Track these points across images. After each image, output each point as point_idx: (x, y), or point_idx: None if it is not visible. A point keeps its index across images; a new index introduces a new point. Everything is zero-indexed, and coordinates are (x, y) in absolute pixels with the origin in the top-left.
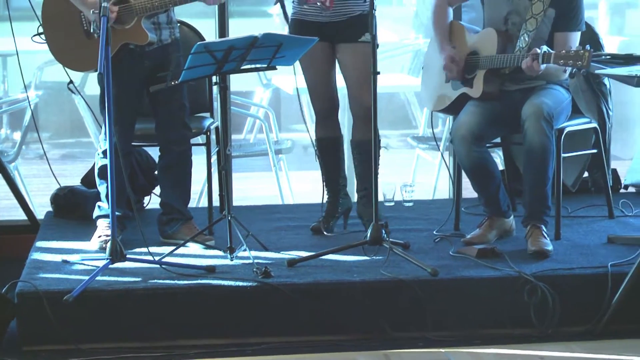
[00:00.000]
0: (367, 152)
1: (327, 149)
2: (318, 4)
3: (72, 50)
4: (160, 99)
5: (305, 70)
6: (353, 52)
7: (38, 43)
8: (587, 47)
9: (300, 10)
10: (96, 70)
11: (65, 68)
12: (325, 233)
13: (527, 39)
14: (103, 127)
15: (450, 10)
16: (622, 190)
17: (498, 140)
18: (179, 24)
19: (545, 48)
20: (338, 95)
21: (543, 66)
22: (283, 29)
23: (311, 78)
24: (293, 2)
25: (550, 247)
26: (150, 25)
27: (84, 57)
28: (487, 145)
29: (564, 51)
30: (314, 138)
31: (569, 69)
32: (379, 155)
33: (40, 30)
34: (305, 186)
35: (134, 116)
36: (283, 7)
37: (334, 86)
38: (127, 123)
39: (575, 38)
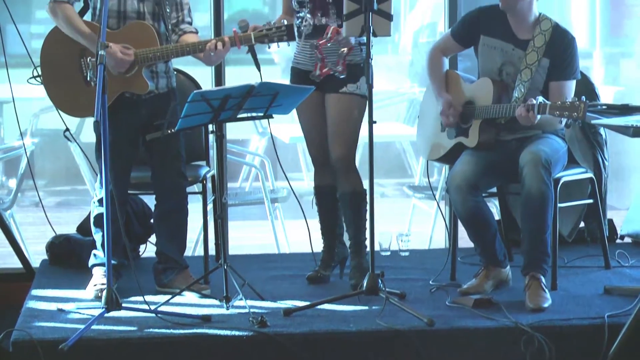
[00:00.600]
0: (349, 204)
1: (324, 197)
2: (332, 72)
3: (71, 96)
4: (156, 147)
5: (300, 119)
6: (334, 102)
7: (33, 85)
8: (583, 98)
9: (300, 60)
10: (91, 116)
11: (62, 115)
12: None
13: (522, 89)
14: (99, 175)
15: (446, 60)
16: (618, 241)
17: (494, 189)
18: (175, 72)
19: (540, 99)
20: None
21: (538, 116)
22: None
23: (306, 126)
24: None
25: (548, 303)
26: (149, 73)
27: (83, 103)
28: (483, 194)
29: (559, 102)
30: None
31: (564, 120)
32: (365, 207)
33: (36, 73)
34: (302, 235)
35: (130, 164)
36: (254, 55)
37: (326, 135)
38: (123, 171)
39: (571, 87)
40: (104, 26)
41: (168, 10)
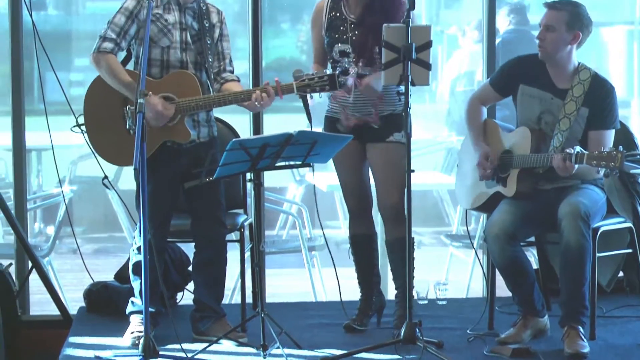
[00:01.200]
0: (398, 251)
1: (360, 246)
2: (347, 96)
3: (114, 145)
4: (196, 195)
5: (337, 168)
6: (381, 152)
7: (76, 133)
8: (620, 148)
9: (333, 108)
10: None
11: (100, 163)
12: (358, 328)
13: (560, 138)
14: (138, 223)
15: (484, 109)
16: None
17: (532, 239)
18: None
19: (578, 148)
20: (371, 193)
21: (576, 166)
22: (309, 126)
23: (343, 175)
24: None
25: (586, 350)
26: (191, 122)
27: (126, 152)
28: (521, 244)
29: (596, 152)
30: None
31: (602, 170)
32: (413, 255)
33: (80, 120)
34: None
35: (170, 213)
36: (305, 105)
37: (366, 184)
38: (162, 220)
39: (610, 136)
40: (144, 74)
41: (210, 59)
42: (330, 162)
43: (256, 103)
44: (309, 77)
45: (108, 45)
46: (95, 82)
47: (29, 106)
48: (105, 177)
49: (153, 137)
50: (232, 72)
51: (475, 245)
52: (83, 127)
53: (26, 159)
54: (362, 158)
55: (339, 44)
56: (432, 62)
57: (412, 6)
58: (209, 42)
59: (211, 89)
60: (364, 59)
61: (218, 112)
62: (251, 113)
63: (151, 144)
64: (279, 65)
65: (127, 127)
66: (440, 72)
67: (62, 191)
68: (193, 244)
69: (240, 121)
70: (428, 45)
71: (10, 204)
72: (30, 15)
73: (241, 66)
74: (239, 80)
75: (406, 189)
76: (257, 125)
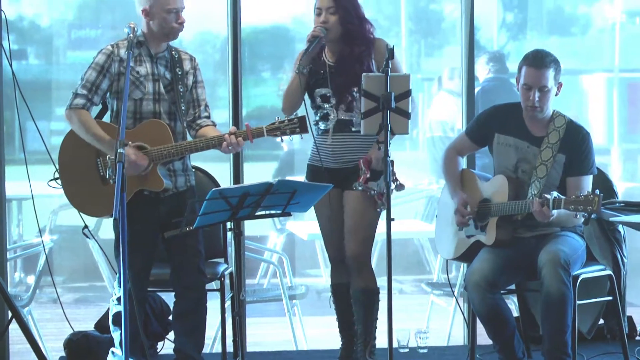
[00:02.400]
0: (361, 302)
1: (340, 296)
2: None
3: (88, 196)
4: (175, 245)
5: (318, 216)
6: (352, 199)
7: (54, 188)
8: (597, 191)
9: (314, 156)
10: (111, 216)
11: (80, 213)
12: None
13: (538, 185)
14: (117, 273)
15: (461, 159)
16: (637, 338)
17: (512, 287)
18: (193, 170)
19: (555, 194)
20: None
21: (554, 212)
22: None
23: (323, 224)
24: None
25: None
26: (166, 172)
27: (99, 202)
28: (502, 291)
29: (573, 197)
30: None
31: (580, 215)
32: (377, 306)
33: (56, 175)
34: (319, 332)
35: (149, 262)
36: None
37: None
38: (142, 269)
39: (588, 182)
40: (123, 124)
41: (184, 108)
42: (311, 210)
43: (229, 147)
44: (279, 120)
45: (79, 101)
46: (68, 135)
47: (10, 155)
48: (86, 226)
49: (127, 186)
50: (208, 117)
51: (456, 293)
52: (59, 181)
53: (6, 208)
54: (341, 206)
55: (320, 89)
56: (412, 110)
57: (391, 56)
58: (181, 90)
59: (186, 138)
60: (344, 104)
61: (198, 161)
62: (231, 161)
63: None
64: (260, 113)
65: (107, 176)
66: (422, 120)
67: (42, 241)
68: (173, 293)
69: (220, 170)
70: (407, 94)
71: None
72: (10, 65)
73: (222, 115)
74: (214, 125)
75: (386, 238)
76: (237, 174)
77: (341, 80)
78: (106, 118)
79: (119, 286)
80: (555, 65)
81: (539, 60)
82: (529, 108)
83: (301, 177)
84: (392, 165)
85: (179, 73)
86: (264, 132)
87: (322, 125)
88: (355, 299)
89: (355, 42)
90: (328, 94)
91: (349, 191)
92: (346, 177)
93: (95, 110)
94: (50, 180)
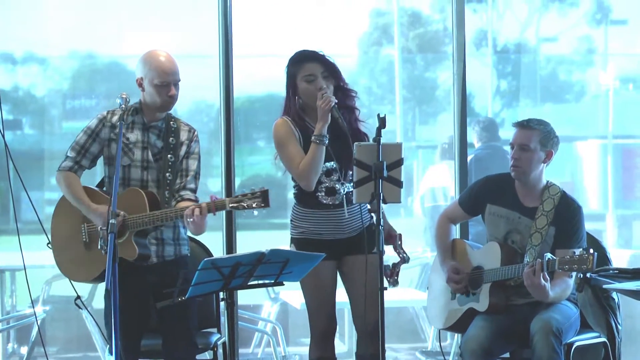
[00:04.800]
0: None
1: None
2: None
3: (72, 260)
4: (166, 315)
5: (308, 290)
6: (362, 264)
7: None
8: (590, 250)
9: (309, 229)
10: (92, 281)
11: (73, 283)
12: None
13: (533, 253)
14: (108, 343)
15: (453, 228)
16: None
17: (507, 354)
18: (187, 239)
19: (549, 255)
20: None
21: (547, 288)
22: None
23: (316, 297)
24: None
25: None
26: (152, 240)
27: (82, 268)
28: (497, 359)
29: (567, 256)
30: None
31: (573, 278)
32: None
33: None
34: None
35: (140, 331)
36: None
37: (335, 305)
38: (133, 338)
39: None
40: (115, 193)
41: (170, 177)
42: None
43: (188, 219)
44: (242, 193)
45: (67, 164)
46: (60, 200)
47: (4, 225)
48: (78, 297)
49: (104, 255)
50: (193, 190)
51: None
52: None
53: None
54: (335, 279)
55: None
56: (405, 179)
57: (383, 125)
58: (171, 160)
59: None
60: (351, 175)
61: None
62: (224, 230)
63: (101, 261)
64: (254, 182)
65: (99, 247)
66: (417, 188)
67: (34, 312)
68: None
69: (212, 239)
70: (400, 162)
71: None
72: (2, 136)
73: (216, 183)
74: (195, 200)
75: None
76: (230, 243)
77: (346, 152)
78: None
79: (110, 355)
80: (545, 132)
81: (524, 121)
82: (510, 168)
83: None
84: (400, 239)
85: (172, 143)
86: (226, 204)
87: (326, 200)
88: None
89: (348, 103)
90: (333, 167)
91: (356, 256)
92: (353, 243)
93: (98, 177)
94: (48, 243)
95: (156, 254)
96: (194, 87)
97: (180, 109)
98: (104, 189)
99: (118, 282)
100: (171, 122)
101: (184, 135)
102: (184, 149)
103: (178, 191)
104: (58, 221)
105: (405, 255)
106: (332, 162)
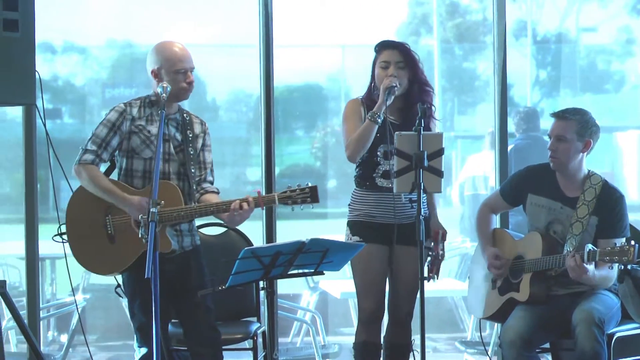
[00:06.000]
0: (401, 354)
1: (369, 356)
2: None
3: (94, 253)
4: (184, 305)
5: (358, 272)
6: (413, 259)
7: (57, 242)
8: (632, 242)
9: (364, 211)
10: (116, 274)
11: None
12: None
13: (574, 242)
14: (136, 334)
15: (494, 216)
16: None
17: (547, 345)
18: (226, 229)
19: (590, 246)
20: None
21: (590, 270)
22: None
23: (365, 279)
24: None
25: None
26: (173, 232)
27: (106, 260)
28: (537, 350)
29: (608, 248)
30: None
31: (615, 269)
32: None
33: (62, 229)
34: None
35: (166, 321)
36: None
37: (385, 289)
38: (162, 327)
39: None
40: (156, 182)
41: (193, 170)
42: (345, 267)
43: (235, 213)
44: (291, 189)
45: (88, 157)
46: (77, 191)
47: (44, 214)
48: (119, 285)
49: (133, 247)
50: (212, 182)
51: (489, 352)
52: (65, 237)
53: (39, 267)
54: (387, 263)
55: (383, 145)
56: (444, 168)
57: (424, 115)
58: (191, 152)
59: (193, 198)
60: None
61: None
62: (264, 220)
63: (130, 254)
64: (293, 171)
65: (140, 235)
66: (455, 177)
67: (75, 300)
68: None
69: (253, 228)
70: (440, 152)
71: (24, 312)
72: (44, 125)
73: (255, 172)
74: (218, 193)
75: (419, 296)
76: (269, 232)
77: None
78: (113, 176)
79: (139, 347)
80: (580, 120)
81: (561, 112)
82: (549, 159)
83: None
84: (444, 238)
85: (190, 135)
86: (275, 200)
87: (381, 182)
88: (398, 354)
89: (424, 98)
90: (390, 150)
91: (407, 247)
92: (405, 232)
93: (103, 167)
94: (55, 235)
95: (177, 245)
96: (233, 77)
97: (219, 99)
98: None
99: (141, 274)
100: (184, 115)
101: (197, 128)
102: (200, 141)
103: (199, 184)
104: (75, 213)
105: (442, 252)
106: (392, 146)
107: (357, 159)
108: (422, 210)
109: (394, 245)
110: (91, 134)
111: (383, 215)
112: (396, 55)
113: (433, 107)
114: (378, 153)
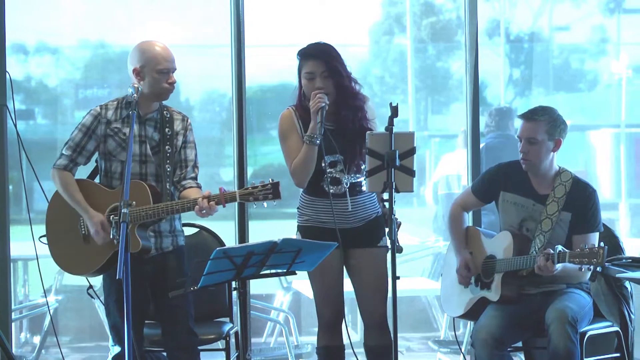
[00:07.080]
0: (382, 357)
1: (332, 359)
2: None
3: (69, 254)
4: (163, 307)
5: (315, 278)
6: (370, 258)
7: (44, 244)
8: (601, 244)
9: (313, 218)
10: (91, 274)
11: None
12: None
13: (543, 239)
14: (110, 334)
15: (466, 215)
16: None
17: (519, 344)
18: (198, 229)
19: (560, 247)
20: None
21: (558, 267)
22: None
23: (323, 285)
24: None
25: None
26: (150, 233)
27: (81, 261)
28: (509, 349)
29: (578, 250)
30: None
31: (585, 268)
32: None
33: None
34: None
35: (142, 321)
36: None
37: (342, 293)
38: (136, 328)
39: (594, 239)
40: (127, 183)
41: (169, 170)
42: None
43: (202, 211)
44: (253, 185)
45: (62, 162)
46: (55, 193)
47: (17, 215)
48: (90, 286)
49: (105, 248)
50: (194, 178)
51: (463, 351)
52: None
53: (12, 268)
54: (342, 267)
55: (328, 156)
56: (417, 168)
57: (395, 114)
58: (169, 151)
59: (175, 199)
60: (355, 166)
61: (203, 220)
62: (236, 220)
63: (101, 255)
64: (267, 172)
65: (111, 236)
66: (429, 177)
67: (47, 301)
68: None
69: (225, 228)
70: (412, 151)
71: None
72: (15, 126)
73: (228, 173)
74: (199, 187)
75: (391, 296)
76: (242, 233)
77: (350, 146)
78: (98, 179)
79: (113, 345)
80: (551, 121)
81: (529, 113)
82: (520, 161)
83: None
84: (398, 227)
85: (169, 133)
86: (236, 197)
87: (331, 189)
88: (378, 356)
89: (351, 103)
90: (336, 159)
91: (367, 249)
92: (359, 235)
93: (89, 169)
94: (41, 236)
95: (155, 246)
96: (206, 77)
97: (192, 99)
98: (96, 180)
99: (116, 273)
100: (164, 112)
101: (178, 125)
102: (180, 139)
103: (179, 182)
104: (53, 215)
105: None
106: (337, 155)
107: (305, 185)
108: (376, 208)
109: (349, 251)
110: (68, 138)
111: (340, 221)
112: (321, 66)
113: (363, 110)
114: (323, 164)
